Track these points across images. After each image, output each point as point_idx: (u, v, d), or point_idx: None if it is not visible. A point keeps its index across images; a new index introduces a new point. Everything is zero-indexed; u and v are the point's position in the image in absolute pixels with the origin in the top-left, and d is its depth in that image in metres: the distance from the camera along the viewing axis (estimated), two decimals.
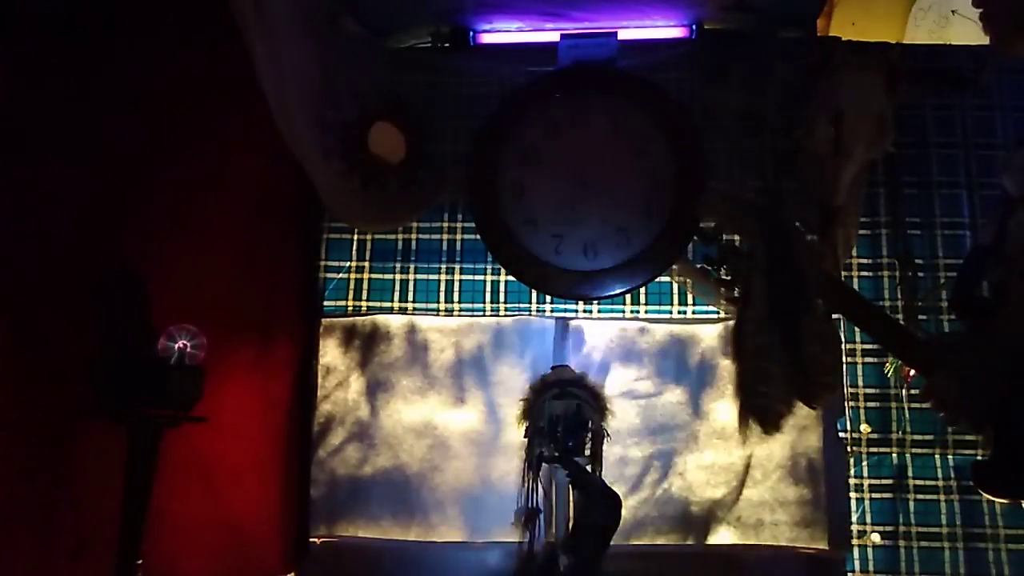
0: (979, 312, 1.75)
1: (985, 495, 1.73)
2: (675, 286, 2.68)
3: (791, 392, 1.87)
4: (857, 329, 2.56)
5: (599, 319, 2.73)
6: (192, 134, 2.30)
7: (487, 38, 2.83)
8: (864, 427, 2.52)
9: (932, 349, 1.77)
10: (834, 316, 2.24)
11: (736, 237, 2.36)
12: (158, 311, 2.08)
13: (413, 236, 2.80)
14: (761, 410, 1.89)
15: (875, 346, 2.55)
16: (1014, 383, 1.55)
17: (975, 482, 1.66)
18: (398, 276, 2.78)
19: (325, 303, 2.78)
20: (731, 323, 2.63)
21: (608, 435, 2.49)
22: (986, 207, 2.57)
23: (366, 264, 2.79)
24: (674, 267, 2.57)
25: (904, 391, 2.51)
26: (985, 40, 2.13)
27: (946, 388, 1.60)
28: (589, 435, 2.44)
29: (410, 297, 2.77)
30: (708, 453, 2.65)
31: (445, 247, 2.79)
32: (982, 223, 2.52)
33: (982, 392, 1.57)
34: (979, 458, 2.01)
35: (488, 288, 2.75)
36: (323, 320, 2.79)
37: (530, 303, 2.73)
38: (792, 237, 1.95)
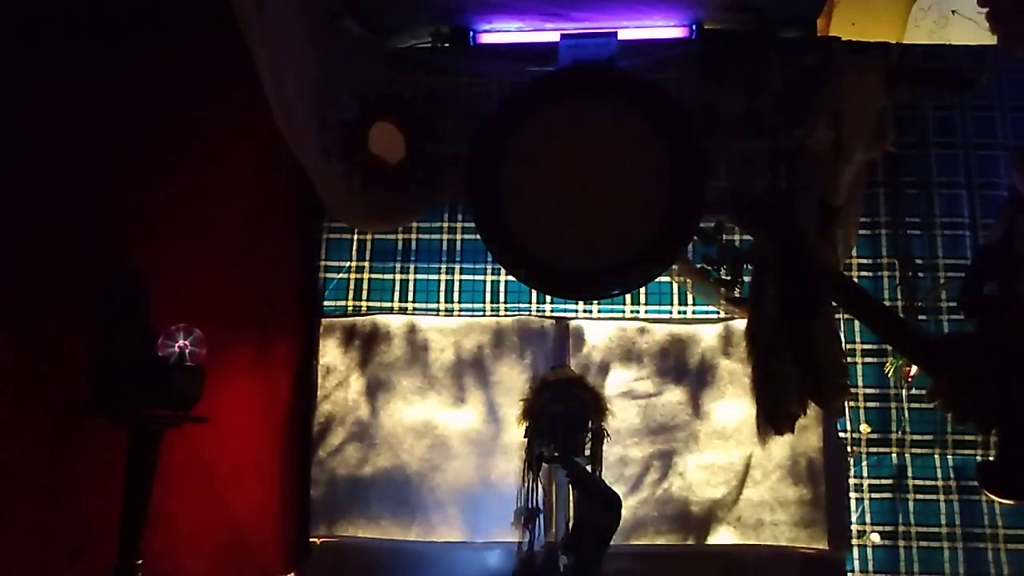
0: (987, 311, 1.74)
1: (989, 496, 1.72)
2: (675, 286, 2.68)
3: (804, 393, 1.86)
4: (857, 329, 2.56)
5: (599, 319, 2.73)
6: (192, 134, 2.30)
7: (487, 38, 2.82)
8: (864, 427, 2.52)
9: (939, 349, 1.77)
10: (835, 315, 2.23)
11: (736, 237, 2.36)
12: (158, 311, 2.07)
13: (413, 236, 2.80)
14: (773, 411, 1.89)
15: (875, 346, 2.55)
16: (1022, 383, 1.54)
17: (980, 482, 1.65)
18: (398, 276, 2.78)
19: (325, 303, 2.78)
20: (731, 323, 2.66)
21: (608, 435, 2.48)
22: (986, 207, 2.57)
23: (366, 264, 2.80)
24: (674, 267, 2.56)
25: (904, 391, 2.51)
26: (985, 40, 2.13)
27: (953, 388, 1.60)
28: (589, 435, 2.44)
29: (410, 297, 2.77)
30: (708, 453, 2.65)
31: (445, 247, 2.79)
32: (987, 223, 2.52)
33: (990, 392, 1.56)
34: (986, 458, 2.00)
35: (488, 288, 2.75)
36: (323, 320, 2.79)
37: (530, 303, 2.73)
38: (802, 235, 1.95)
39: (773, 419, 1.89)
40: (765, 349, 1.90)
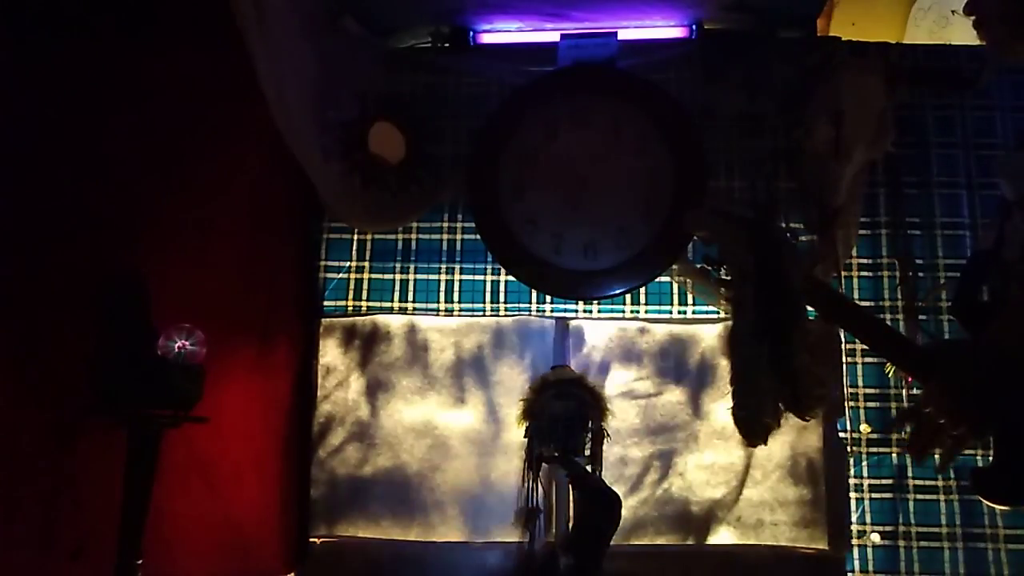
0: (980, 317, 1.74)
1: (985, 502, 1.72)
2: (675, 286, 2.68)
3: (779, 404, 1.86)
4: None
5: (599, 319, 2.73)
6: (192, 134, 2.30)
7: (487, 38, 2.83)
8: (864, 427, 2.52)
9: (930, 356, 1.76)
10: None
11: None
12: (158, 311, 2.07)
13: (413, 236, 2.80)
14: (746, 421, 1.88)
15: None
16: (1014, 389, 1.54)
17: (975, 489, 1.65)
18: (398, 276, 2.78)
19: (325, 303, 2.78)
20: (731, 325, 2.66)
21: (608, 435, 2.49)
22: (986, 207, 2.57)
23: (366, 264, 2.79)
24: (674, 267, 2.57)
25: (904, 391, 2.51)
26: None
27: (945, 395, 1.60)
28: (589, 435, 2.44)
29: (410, 297, 2.77)
30: (708, 453, 2.65)
31: (445, 247, 2.79)
32: (984, 224, 2.52)
33: (982, 398, 1.56)
34: (979, 465, 2.00)
35: (488, 288, 2.75)
36: (323, 320, 2.79)
37: (530, 303, 2.73)
38: (781, 249, 1.94)
39: (746, 429, 1.88)
40: (742, 360, 1.90)
